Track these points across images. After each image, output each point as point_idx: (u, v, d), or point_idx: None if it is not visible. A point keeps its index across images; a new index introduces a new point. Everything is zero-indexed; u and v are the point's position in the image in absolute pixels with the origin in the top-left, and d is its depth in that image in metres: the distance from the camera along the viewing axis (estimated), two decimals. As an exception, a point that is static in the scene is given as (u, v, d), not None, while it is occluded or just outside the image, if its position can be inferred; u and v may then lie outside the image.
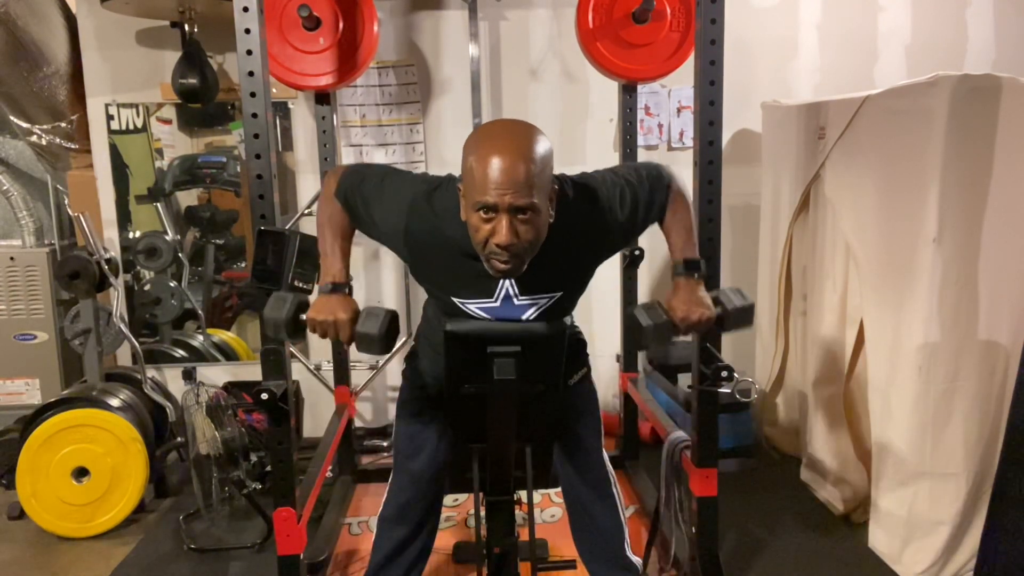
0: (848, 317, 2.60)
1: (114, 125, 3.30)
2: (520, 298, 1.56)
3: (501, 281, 1.54)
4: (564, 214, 1.50)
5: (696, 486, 2.10)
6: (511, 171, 1.34)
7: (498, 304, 1.56)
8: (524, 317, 1.58)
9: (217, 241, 3.54)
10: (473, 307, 1.58)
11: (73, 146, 3.34)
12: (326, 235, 1.65)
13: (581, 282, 1.65)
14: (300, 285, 1.96)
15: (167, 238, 3.45)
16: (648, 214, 1.64)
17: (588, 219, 1.56)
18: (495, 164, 1.35)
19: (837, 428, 2.69)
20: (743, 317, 1.61)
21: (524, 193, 1.35)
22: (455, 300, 1.59)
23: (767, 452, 3.24)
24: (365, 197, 1.61)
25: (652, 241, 3.38)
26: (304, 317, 1.56)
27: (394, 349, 3.35)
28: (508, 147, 1.37)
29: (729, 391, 1.92)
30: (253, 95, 1.84)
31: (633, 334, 1.62)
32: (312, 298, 1.61)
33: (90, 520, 2.70)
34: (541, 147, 1.41)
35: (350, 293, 1.60)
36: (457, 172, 1.52)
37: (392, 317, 1.52)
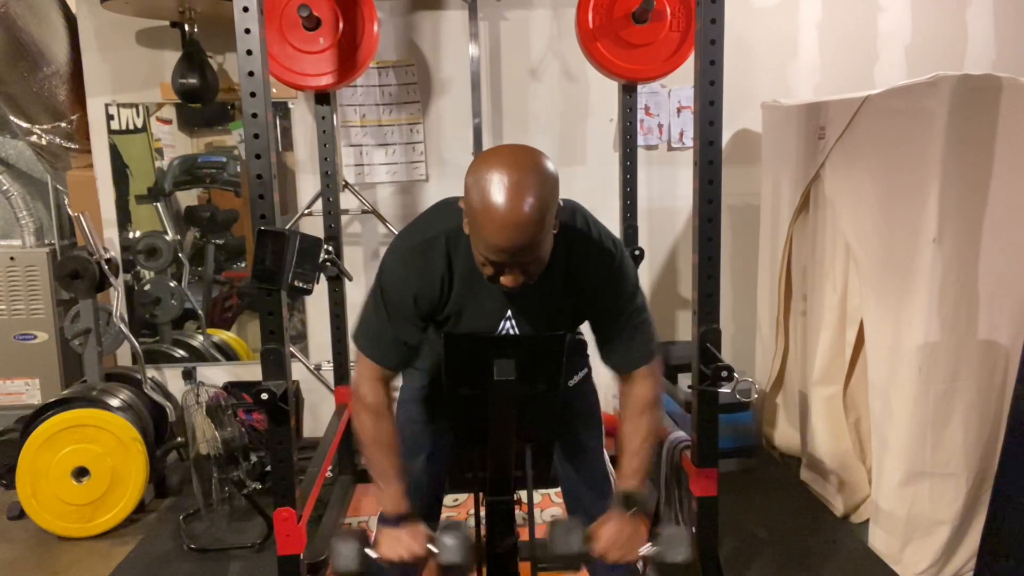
0: (848, 317, 2.60)
1: (114, 125, 3.30)
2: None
3: (503, 323, 1.56)
4: (577, 253, 1.49)
5: (696, 486, 2.10)
6: (517, 237, 1.30)
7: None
8: None
9: (217, 241, 3.54)
10: None
11: (73, 146, 3.34)
12: (375, 453, 1.52)
13: (579, 322, 1.66)
14: (300, 285, 1.95)
15: (167, 238, 3.44)
16: (610, 328, 1.57)
17: (596, 267, 1.54)
18: (500, 231, 1.30)
19: (837, 428, 2.68)
20: (675, 568, 1.50)
21: (531, 253, 1.34)
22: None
23: (767, 452, 3.24)
24: (394, 326, 1.51)
25: (652, 240, 3.40)
26: (375, 556, 1.43)
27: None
28: (513, 209, 1.28)
29: (729, 391, 1.92)
30: (253, 95, 1.84)
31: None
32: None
33: (90, 520, 2.70)
34: (546, 190, 1.32)
35: (416, 519, 1.49)
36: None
37: (467, 533, 1.44)
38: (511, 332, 1.57)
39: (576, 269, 1.52)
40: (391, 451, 1.53)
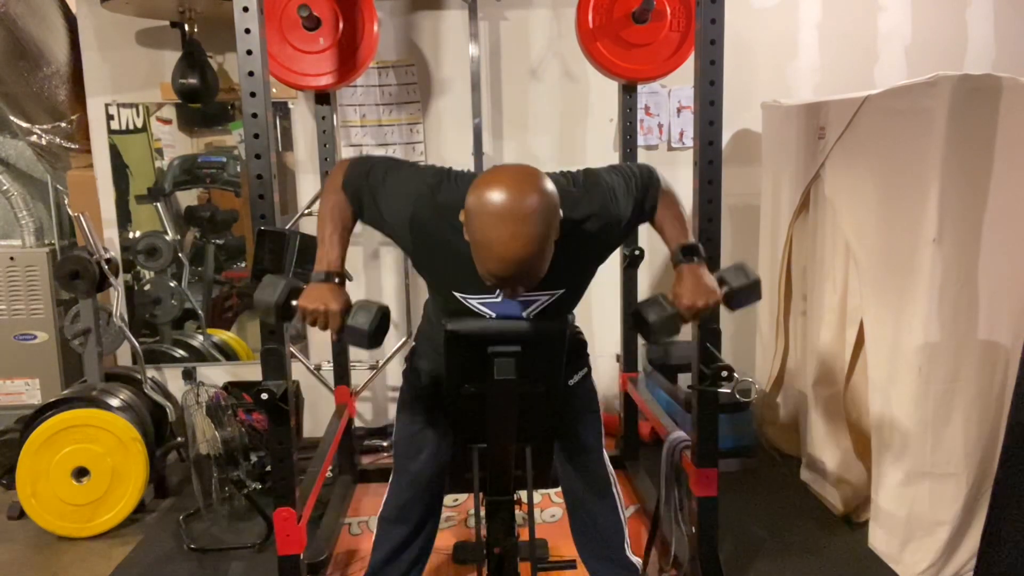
0: (848, 317, 2.60)
1: (114, 125, 3.30)
2: (523, 295, 1.56)
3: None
4: (569, 213, 1.49)
5: (696, 486, 2.10)
6: (517, 268, 1.33)
7: (500, 300, 1.57)
8: (525, 313, 1.58)
9: (217, 241, 3.54)
10: (475, 302, 1.58)
11: (73, 146, 3.34)
12: (326, 225, 1.65)
13: (583, 280, 1.66)
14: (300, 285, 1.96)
15: (167, 238, 3.44)
16: (641, 210, 1.66)
17: (593, 217, 1.56)
18: (500, 265, 1.33)
19: (837, 428, 2.68)
20: (750, 294, 1.62)
21: (530, 275, 1.37)
22: (456, 294, 1.58)
23: (767, 452, 3.24)
24: (373, 188, 1.61)
25: (652, 241, 3.39)
26: (295, 303, 1.55)
27: (392, 349, 3.33)
28: (513, 246, 1.30)
29: (729, 391, 1.92)
30: (253, 95, 1.84)
31: (640, 331, 1.61)
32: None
33: (90, 520, 2.70)
34: (546, 219, 1.33)
35: (343, 284, 1.59)
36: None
37: (384, 313, 1.52)
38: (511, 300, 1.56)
39: (573, 228, 1.52)
40: (344, 225, 1.65)
